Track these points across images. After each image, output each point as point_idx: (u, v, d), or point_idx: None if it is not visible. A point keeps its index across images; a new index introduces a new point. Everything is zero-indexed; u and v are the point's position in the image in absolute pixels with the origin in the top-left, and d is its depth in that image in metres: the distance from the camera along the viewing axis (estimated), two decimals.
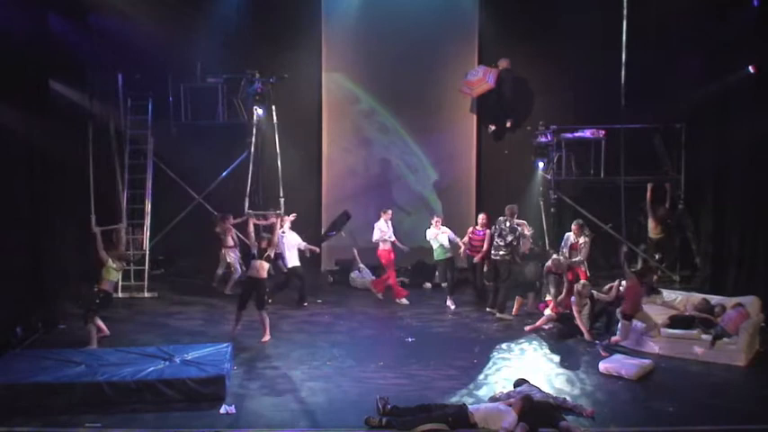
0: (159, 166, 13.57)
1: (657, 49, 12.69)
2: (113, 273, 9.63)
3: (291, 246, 11.60)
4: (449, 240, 11.74)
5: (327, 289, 13.20)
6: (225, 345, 8.84)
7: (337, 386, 8.21)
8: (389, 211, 12.50)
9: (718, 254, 11.86)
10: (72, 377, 7.81)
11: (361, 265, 13.07)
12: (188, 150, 13.69)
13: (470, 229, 11.98)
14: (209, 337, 9.23)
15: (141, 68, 13.22)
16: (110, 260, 9.61)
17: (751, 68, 10.92)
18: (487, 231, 11.43)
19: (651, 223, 12.81)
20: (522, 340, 10.11)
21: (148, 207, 13.09)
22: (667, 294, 10.32)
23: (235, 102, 13.31)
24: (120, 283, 11.43)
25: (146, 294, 12.17)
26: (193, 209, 13.59)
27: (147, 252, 12.71)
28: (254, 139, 12.20)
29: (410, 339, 9.84)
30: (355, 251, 13.07)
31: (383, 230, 12.13)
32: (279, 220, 11.01)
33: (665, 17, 12.05)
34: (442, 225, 11.93)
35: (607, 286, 10.38)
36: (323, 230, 13.78)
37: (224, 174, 13.35)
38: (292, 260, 11.59)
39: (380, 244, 12.11)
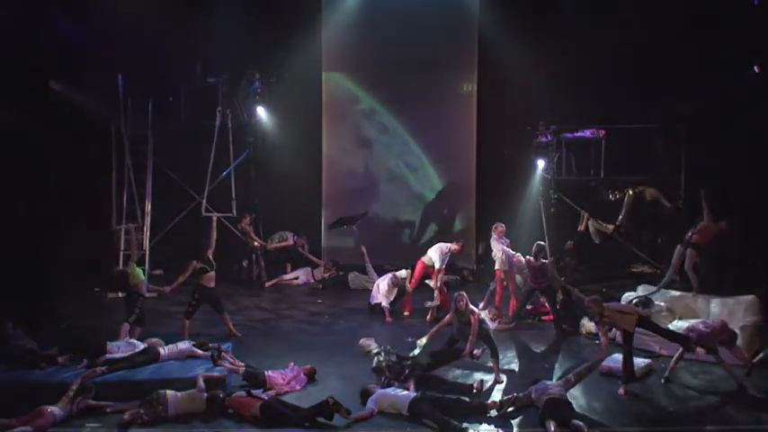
0: (159, 166, 13.58)
1: (659, 49, 12.70)
2: (139, 272, 9.67)
3: None
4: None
5: (327, 290, 13.20)
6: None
7: (336, 386, 8.20)
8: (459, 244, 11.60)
9: (718, 254, 11.84)
10: (71, 377, 7.81)
11: (369, 264, 13.05)
12: (188, 150, 13.69)
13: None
14: (209, 338, 9.21)
15: (141, 68, 13.23)
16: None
17: (756, 68, 10.91)
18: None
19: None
20: (522, 340, 10.13)
21: (148, 207, 13.10)
22: (668, 296, 10.28)
23: (235, 102, 13.31)
24: None
25: (146, 294, 12.15)
26: (193, 209, 13.58)
27: (147, 252, 12.71)
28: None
29: (410, 339, 9.82)
30: (364, 249, 13.07)
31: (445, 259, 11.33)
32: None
33: (666, 17, 12.05)
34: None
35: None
36: (329, 223, 13.95)
37: (224, 174, 13.36)
38: None
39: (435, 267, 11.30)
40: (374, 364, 8.51)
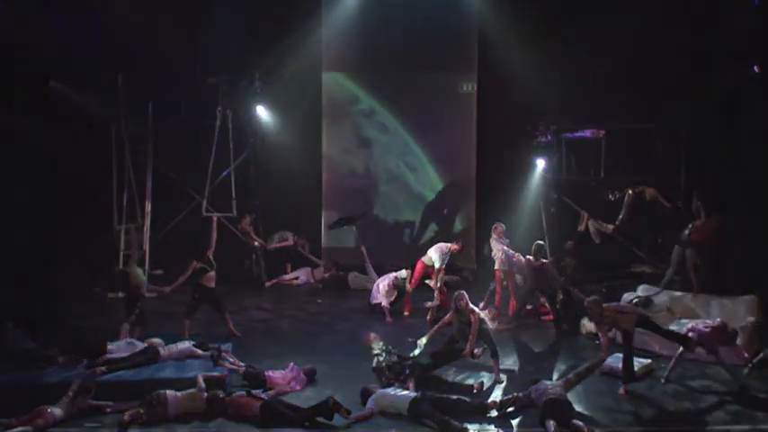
0: (159, 166, 13.57)
1: (659, 48, 12.69)
2: (139, 272, 9.69)
3: None
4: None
5: (327, 290, 13.20)
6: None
7: (336, 386, 8.20)
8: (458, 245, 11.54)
9: (718, 253, 11.84)
10: (71, 377, 7.80)
11: (369, 265, 13.07)
12: (188, 150, 13.69)
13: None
14: (209, 338, 9.21)
15: (141, 68, 13.21)
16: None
17: (756, 68, 10.92)
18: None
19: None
20: (522, 340, 10.13)
21: (148, 207, 13.10)
22: (668, 296, 10.29)
23: (235, 102, 13.30)
24: None
25: (145, 294, 12.14)
26: (193, 209, 13.58)
27: (147, 252, 12.71)
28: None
29: (410, 339, 9.82)
30: (363, 249, 13.08)
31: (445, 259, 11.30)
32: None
33: (667, 17, 12.05)
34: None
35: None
36: (329, 224, 14.00)
37: (224, 173, 13.36)
38: None
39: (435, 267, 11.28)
40: (374, 364, 8.53)
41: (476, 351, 8.55)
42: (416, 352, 8.68)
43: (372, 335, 9.12)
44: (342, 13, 14.38)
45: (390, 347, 8.78)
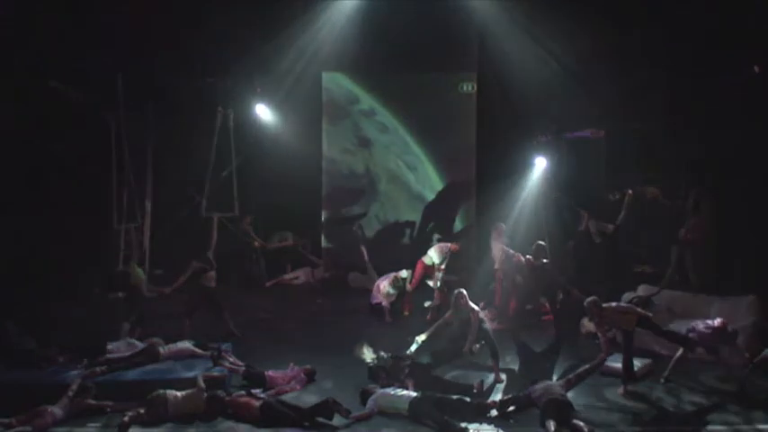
0: (159, 166, 13.56)
1: (658, 48, 12.68)
2: (139, 271, 9.72)
3: None
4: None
5: (327, 290, 13.20)
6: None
7: (336, 386, 8.21)
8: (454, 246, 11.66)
9: (715, 252, 11.84)
10: (71, 377, 7.81)
11: (369, 264, 13.09)
12: (188, 150, 13.68)
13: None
14: (209, 338, 9.22)
15: (141, 68, 13.20)
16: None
17: (756, 68, 10.92)
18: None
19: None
20: (523, 340, 10.11)
21: (148, 207, 13.10)
22: (668, 296, 10.28)
23: (235, 102, 13.30)
24: None
25: (145, 294, 12.14)
26: (193, 209, 13.55)
27: (147, 252, 12.71)
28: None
29: (410, 339, 9.81)
30: (363, 249, 13.09)
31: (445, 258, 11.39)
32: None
33: (667, 17, 12.04)
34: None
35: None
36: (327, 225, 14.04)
37: (224, 173, 13.36)
38: None
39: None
40: (368, 366, 8.52)
41: (474, 347, 8.55)
42: (413, 348, 8.68)
43: (364, 345, 9.05)
44: (342, 12, 14.36)
45: (382, 353, 8.74)
